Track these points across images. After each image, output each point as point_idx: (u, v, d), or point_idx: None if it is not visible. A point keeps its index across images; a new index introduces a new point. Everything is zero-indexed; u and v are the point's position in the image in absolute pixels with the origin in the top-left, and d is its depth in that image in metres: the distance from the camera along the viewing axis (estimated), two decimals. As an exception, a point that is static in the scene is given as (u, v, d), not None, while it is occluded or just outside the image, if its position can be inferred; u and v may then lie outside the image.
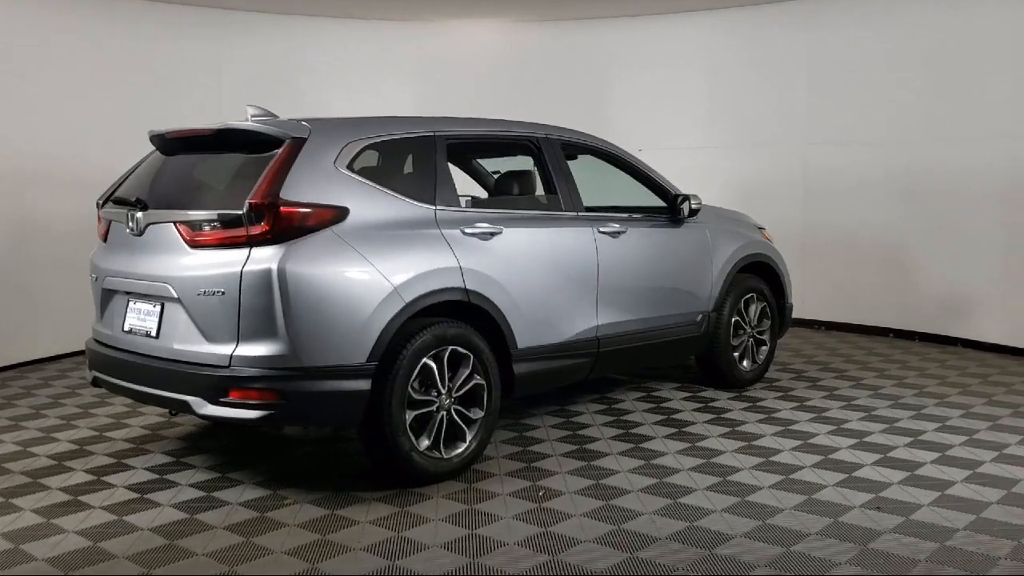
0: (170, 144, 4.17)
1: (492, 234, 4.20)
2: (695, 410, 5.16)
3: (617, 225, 4.86)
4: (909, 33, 7.51)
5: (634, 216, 5.16)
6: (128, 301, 4.02)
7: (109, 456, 4.41)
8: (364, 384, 3.67)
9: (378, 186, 3.90)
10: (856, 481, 3.95)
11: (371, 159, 4.08)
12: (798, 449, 4.41)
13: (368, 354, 3.66)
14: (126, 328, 3.99)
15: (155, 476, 4.11)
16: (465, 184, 5.83)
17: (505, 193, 4.84)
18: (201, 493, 3.88)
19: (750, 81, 8.35)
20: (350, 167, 3.84)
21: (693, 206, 5.22)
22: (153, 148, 4.30)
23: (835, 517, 3.55)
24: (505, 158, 5.59)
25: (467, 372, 4.01)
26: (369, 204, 3.82)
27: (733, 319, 5.59)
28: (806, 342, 7.44)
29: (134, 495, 3.87)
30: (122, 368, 3.96)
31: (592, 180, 5.66)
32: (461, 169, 5.93)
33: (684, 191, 5.39)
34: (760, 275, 5.88)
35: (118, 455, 4.43)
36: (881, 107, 7.65)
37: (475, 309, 4.09)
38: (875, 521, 3.50)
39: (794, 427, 4.80)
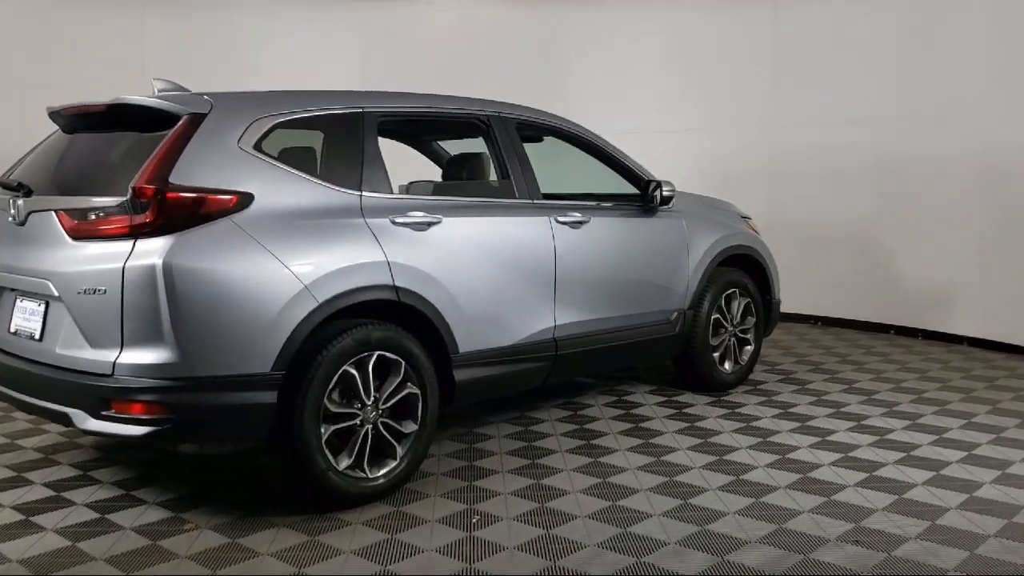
0: (68, 121, 3.73)
1: (429, 224, 3.72)
2: (668, 417, 4.69)
3: (578, 214, 4.37)
4: (878, 12, 7.08)
5: (601, 204, 4.69)
6: (15, 299, 3.57)
7: (9, 468, 3.98)
8: (269, 396, 3.21)
9: (291, 169, 3.43)
10: (836, 507, 3.47)
11: (286, 139, 3.62)
12: (774, 465, 3.93)
13: (273, 362, 3.20)
14: (12, 329, 3.54)
15: (51, 493, 3.67)
16: (424, 169, 5.38)
17: (454, 178, 4.37)
18: (94, 515, 3.44)
19: (713, 62, 7.95)
20: (258, 147, 3.37)
21: (665, 193, 4.72)
22: (57, 127, 3.86)
23: (806, 553, 3.07)
24: (468, 140, 5.12)
25: (398, 380, 3.55)
26: (279, 190, 3.35)
27: (713, 317, 5.11)
28: (800, 339, 6.95)
29: (18, 517, 3.43)
30: (6, 374, 3.52)
31: (557, 165, 5.19)
32: (421, 152, 5.47)
33: (658, 178, 4.91)
34: (744, 268, 5.39)
35: (20, 467, 3.99)
36: (850, 89, 7.27)
37: (408, 309, 3.63)
38: (853, 560, 3.03)
39: (773, 439, 4.32)
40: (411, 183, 4.20)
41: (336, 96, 3.75)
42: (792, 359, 6.17)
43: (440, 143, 5.42)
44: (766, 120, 7.77)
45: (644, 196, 4.77)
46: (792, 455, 4.08)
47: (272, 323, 3.20)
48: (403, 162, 4.91)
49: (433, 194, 4.02)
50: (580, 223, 4.35)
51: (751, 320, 5.39)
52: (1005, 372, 5.77)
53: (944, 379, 5.57)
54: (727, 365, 5.25)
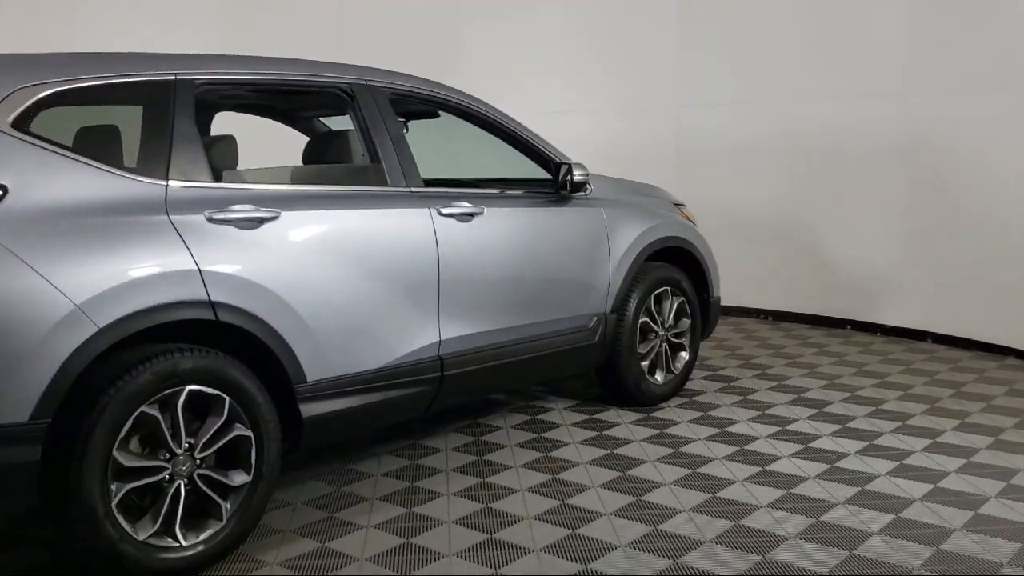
0: None
1: (260, 220, 2.94)
2: (584, 442, 3.97)
3: (468, 204, 3.62)
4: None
5: (505, 192, 3.96)
6: None
7: None
8: (28, 453, 2.44)
9: (68, 153, 2.64)
10: (770, 568, 2.78)
11: (64, 115, 2.82)
12: (702, 509, 3.23)
13: (33, 409, 2.43)
14: None
15: None
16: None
17: (312, 162, 3.61)
18: None
19: (619, 38, 7.27)
20: (19, 125, 2.58)
21: (577, 177, 3.99)
22: None
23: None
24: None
25: (220, 421, 2.79)
26: (47, 180, 2.56)
27: (640, 320, 4.40)
28: (748, 337, 6.28)
29: None
30: None
31: (456, 146, 4.45)
32: (299, 131, 4.69)
33: (574, 160, 4.18)
34: (677, 264, 4.69)
35: None
36: (762, 64, 6.70)
37: (231, 330, 2.86)
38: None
39: (704, 469, 3.62)
40: (248, 170, 3.42)
41: (139, 60, 2.94)
42: (736, 362, 5.50)
43: (322, 120, 4.64)
44: (677, 99, 7.17)
45: (555, 182, 4.04)
46: (725, 492, 3.38)
47: (28, 357, 2.41)
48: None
49: (271, 181, 3.24)
50: (470, 215, 3.60)
51: (686, 323, 4.69)
52: (973, 375, 5.15)
53: (905, 385, 4.93)
54: (658, 376, 4.55)
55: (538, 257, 3.91)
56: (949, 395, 4.72)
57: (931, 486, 3.43)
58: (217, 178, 2.98)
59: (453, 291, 3.50)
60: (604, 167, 5.17)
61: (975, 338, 5.77)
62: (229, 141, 3.34)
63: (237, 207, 2.90)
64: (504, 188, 4.03)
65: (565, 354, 4.06)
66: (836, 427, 4.16)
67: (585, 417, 4.36)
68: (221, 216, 2.84)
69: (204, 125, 3.80)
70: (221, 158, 3.19)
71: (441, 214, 3.49)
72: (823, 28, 6.41)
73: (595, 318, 4.17)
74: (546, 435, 4.09)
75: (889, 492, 3.38)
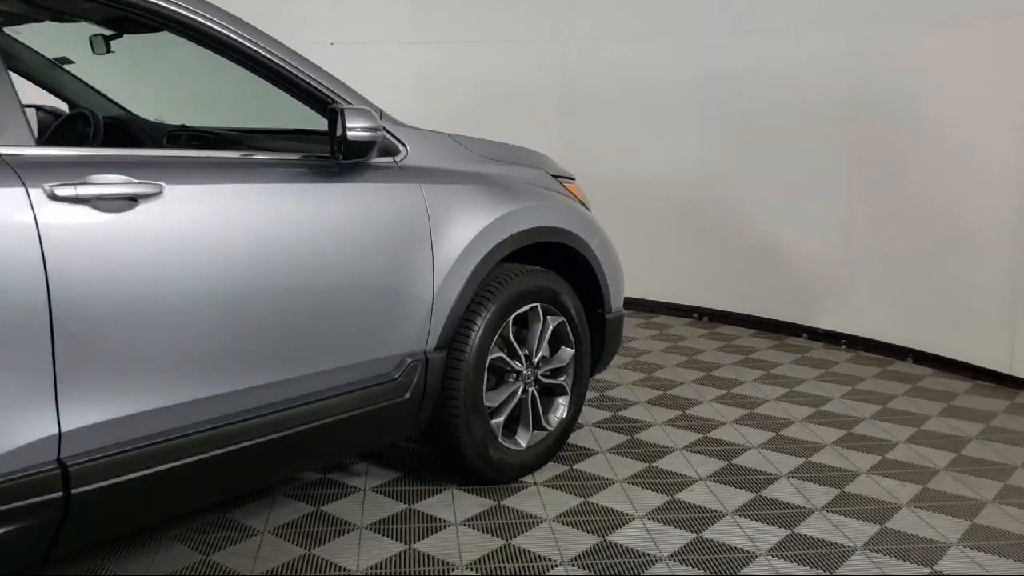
0: None
1: None
2: (380, 568, 2.45)
3: (121, 181, 1.99)
4: None
5: (246, 157, 2.37)
6: None
7: None
8: None
9: None
10: None
11: None
12: None
13: None
14: None
15: None
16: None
17: None
18: None
19: None
20: None
21: (355, 133, 2.36)
22: None
23: None
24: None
25: None
26: None
27: (490, 358, 2.87)
28: (673, 348, 4.78)
29: None
30: None
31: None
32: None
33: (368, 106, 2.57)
34: (556, 266, 3.16)
35: None
36: None
37: None
38: None
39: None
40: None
41: None
42: (652, 390, 4.00)
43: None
44: (554, 30, 5.61)
45: (331, 140, 2.43)
46: None
47: None
48: None
49: None
50: (127, 200, 1.98)
51: (567, 353, 3.16)
52: (939, 403, 3.72)
53: (844, 418, 3.47)
54: (520, 437, 3.03)
55: (287, 271, 2.30)
56: (905, 441, 3.28)
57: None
58: None
59: (87, 340, 1.90)
60: (448, 122, 3.59)
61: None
62: None
63: None
64: (248, 152, 2.44)
65: (343, 427, 2.47)
66: (775, 511, 2.68)
67: (399, 508, 2.81)
68: None
69: None
70: None
71: (56, 197, 1.88)
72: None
73: (406, 362, 2.60)
74: (320, 550, 2.54)
75: None
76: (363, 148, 2.40)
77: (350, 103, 2.46)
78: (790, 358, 4.63)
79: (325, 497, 2.85)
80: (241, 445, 2.21)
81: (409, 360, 2.61)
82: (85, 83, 3.36)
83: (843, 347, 4.83)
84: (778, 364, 4.51)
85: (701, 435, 3.47)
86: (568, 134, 5.59)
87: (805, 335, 5.00)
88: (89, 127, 2.96)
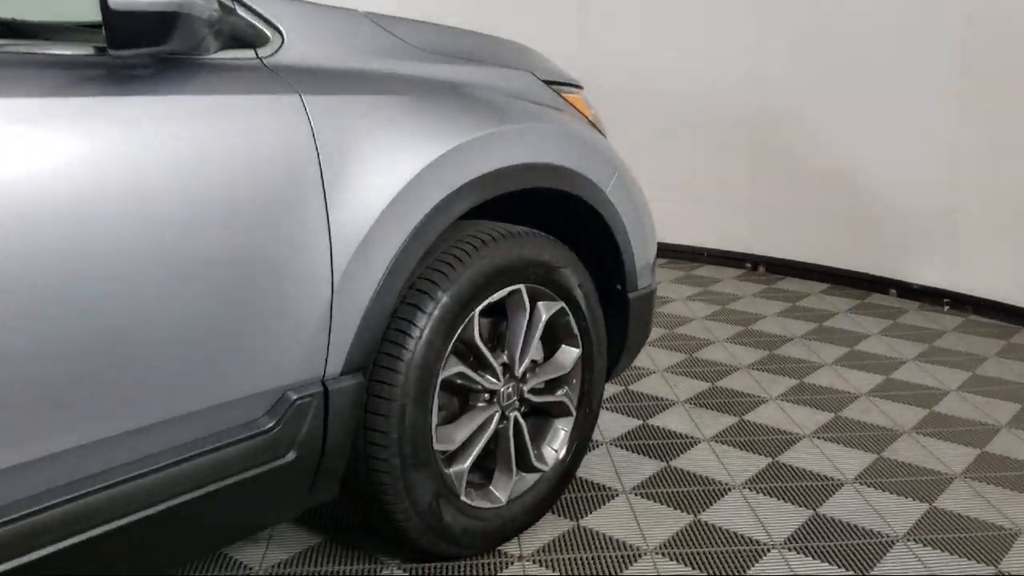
0: None
1: None
2: None
3: None
4: None
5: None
6: None
7: None
8: None
9: None
10: None
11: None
12: None
13: None
14: None
15: None
16: None
17: None
18: None
19: None
20: None
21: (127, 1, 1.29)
22: None
23: None
24: None
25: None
26: None
27: (444, 374, 1.80)
28: (720, 313, 3.67)
29: None
30: None
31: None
32: None
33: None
34: (550, 226, 2.07)
35: None
36: None
37: None
38: None
39: None
40: None
41: None
42: (694, 380, 2.92)
43: None
44: None
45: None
46: None
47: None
48: None
49: None
50: None
51: (570, 355, 2.09)
52: None
53: (971, 427, 2.40)
54: (499, 486, 1.98)
55: (33, 263, 1.23)
56: None
57: None
58: None
59: None
60: (436, 14, 2.48)
61: None
62: None
63: None
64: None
65: (161, 526, 1.43)
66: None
67: (307, 607, 1.81)
68: None
69: None
70: None
71: None
72: None
73: (286, 401, 1.54)
74: None
75: None
76: (147, 28, 1.29)
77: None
78: (878, 325, 3.51)
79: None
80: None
81: (293, 397, 1.55)
82: None
83: (946, 308, 3.70)
84: (864, 335, 3.40)
85: (769, 458, 2.41)
86: (589, 30, 4.42)
87: (894, 292, 3.87)
88: None
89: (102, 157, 1.29)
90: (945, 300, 3.72)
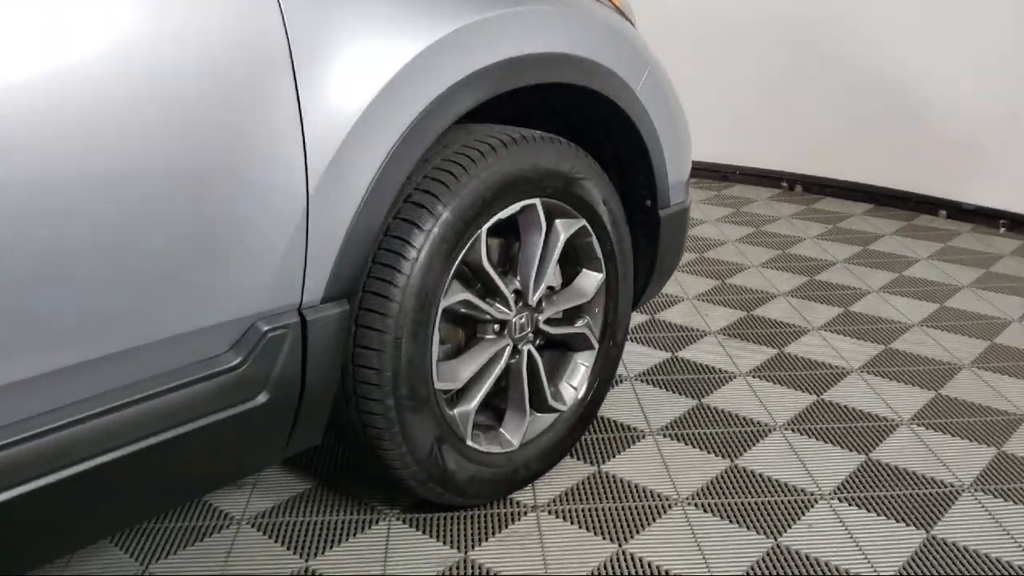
0: None
1: None
2: None
3: None
4: None
5: None
6: None
7: None
8: None
9: None
10: None
11: None
12: None
13: None
14: None
15: None
16: None
17: None
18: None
19: None
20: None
21: None
22: None
23: None
24: None
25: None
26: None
27: (446, 302, 1.55)
28: (755, 236, 3.39)
29: None
30: None
31: None
32: None
33: None
34: (569, 130, 1.79)
35: None
36: None
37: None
38: None
39: None
40: None
41: None
42: (727, 309, 2.67)
43: None
44: None
45: None
46: None
47: None
48: None
49: None
50: None
51: (593, 280, 1.83)
52: None
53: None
54: (510, 428, 1.75)
55: None
56: None
57: None
58: None
59: None
60: None
61: None
62: None
63: None
64: None
65: (109, 481, 1.19)
66: None
67: (294, 564, 1.60)
68: None
69: None
70: None
71: None
72: None
73: (257, 333, 1.29)
74: None
75: None
76: None
77: None
78: (928, 249, 3.22)
79: (166, 534, 1.64)
80: None
81: (264, 328, 1.30)
82: None
83: (1002, 231, 3.40)
84: (914, 260, 3.11)
85: (813, 396, 2.15)
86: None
87: (944, 213, 3.56)
88: None
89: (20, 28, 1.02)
90: (1001, 221, 3.41)
